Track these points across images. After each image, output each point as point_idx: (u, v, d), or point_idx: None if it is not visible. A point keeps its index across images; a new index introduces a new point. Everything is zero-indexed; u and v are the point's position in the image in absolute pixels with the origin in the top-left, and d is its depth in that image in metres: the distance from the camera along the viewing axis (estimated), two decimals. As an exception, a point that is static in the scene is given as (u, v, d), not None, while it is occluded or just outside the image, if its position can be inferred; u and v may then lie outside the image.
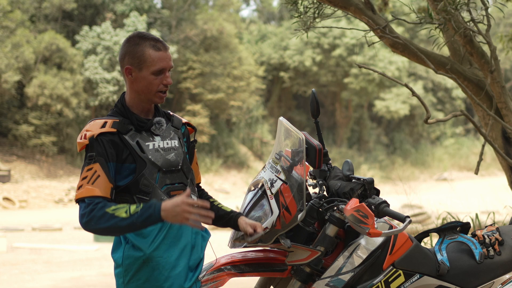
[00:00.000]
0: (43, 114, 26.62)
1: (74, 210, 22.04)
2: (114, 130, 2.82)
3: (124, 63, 2.88)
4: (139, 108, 2.91)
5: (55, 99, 26.00)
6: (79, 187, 2.77)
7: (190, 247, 2.91)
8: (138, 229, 2.73)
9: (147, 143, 2.86)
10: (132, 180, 2.81)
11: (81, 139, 2.82)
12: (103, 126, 2.82)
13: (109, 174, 2.78)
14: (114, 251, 2.90)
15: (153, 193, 2.82)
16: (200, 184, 3.17)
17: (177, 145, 2.94)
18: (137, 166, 2.82)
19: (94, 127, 2.82)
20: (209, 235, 3.04)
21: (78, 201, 2.77)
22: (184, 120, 3.08)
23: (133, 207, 2.71)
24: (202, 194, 3.18)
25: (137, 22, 28.44)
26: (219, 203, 3.17)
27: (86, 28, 28.40)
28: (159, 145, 2.88)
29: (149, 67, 2.84)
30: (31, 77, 26.13)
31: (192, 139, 3.08)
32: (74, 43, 28.29)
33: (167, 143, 2.91)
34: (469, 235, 3.45)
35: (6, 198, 22.19)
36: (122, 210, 2.71)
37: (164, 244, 2.84)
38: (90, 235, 14.50)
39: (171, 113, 3.06)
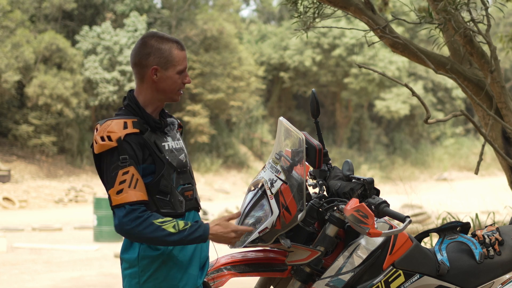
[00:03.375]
0: (43, 114, 26.61)
1: (74, 210, 22.04)
2: (137, 130, 2.81)
3: (148, 63, 2.87)
4: (153, 108, 2.92)
5: (55, 99, 25.99)
6: (118, 192, 2.73)
7: (200, 246, 2.95)
8: (182, 245, 2.79)
9: (163, 144, 2.88)
10: (152, 180, 2.81)
11: (104, 140, 2.77)
12: (125, 127, 2.80)
13: (141, 180, 2.79)
14: (126, 251, 2.88)
15: (172, 194, 2.85)
16: None
17: (183, 146, 2.99)
18: (156, 166, 2.83)
19: (116, 128, 2.78)
20: None
21: (118, 205, 2.74)
22: (178, 121, 3.12)
23: (181, 223, 2.76)
24: None
25: (137, 22, 28.43)
26: None
27: (86, 28, 28.40)
28: (172, 146, 2.91)
29: (176, 67, 2.88)
30: (31, 77, 26.12)
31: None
32: (74, 43, 28.29)
33: (177, 144, 2.95)
34: (469, 235, 3.45)
35: (6, 198, 22.19)
36: (170, 225, 2.74)
37: None
38: (90, 235, 14.50)
39: (168, 113, 3.09)
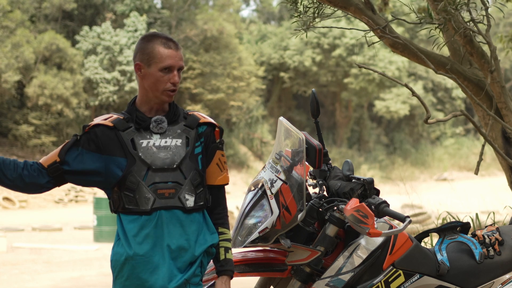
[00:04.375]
0: (43, 114, 26.62)
1: (74, 210, 22.05)
2: (110, 124, 2.88)
3: (135, 60, 2.93)
4: (148, 107, 2.93)
5: (55, 99, 26.00)
6: None
7: (177, 248, 2.86)
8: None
9: (141, 141, 2.87)
10: (121, 176, 2.85)
11: None
12: (106, 119, 2.91)
13: (64, 151, 2.89)
14: (112, 248, 2.96)
15: (138, 190, 2.84)
16: (225, 186, 3.03)
17: (178, 144, 2.91)
18: (127, 162, 2.85)
19: (98, 119, 2.94)
20: (215, 240, 2.94)
21: None
22: (206, 120, 2.99)
23: None
24: (216, 208, 3.00)
25: (137, 22, 28.43)
26: (225, 239, 2.98)
27: (86, 28, 28.40)
28: (154, 143, 2.88)
29: (157, 64, 2.87)
30: (31, 77, 26.12)
31: (218, 139, 2.99)
32: (74, 43, 28.29)
33: (166, 142, 2.90)
34: (469, 235, 3.45)
35: (6, 198, 22.19)
36: None
37: (147, 243, 2.83)
38: (90, 235, 14.53)
39: (190, 112, 3.01)
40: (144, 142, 2.87)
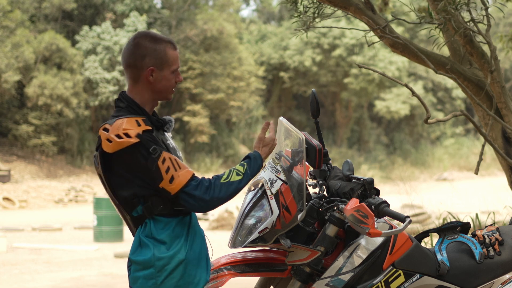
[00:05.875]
0: (43, 114, 26.62)
1: (74, 210, 22.04)
2: (150, 127, 2.81)
3: (144, 64, 2.86)
4: (149, 108, 2.94)
5: (55, 99, 26.00)
6: (170, 180, 2.75)
7: (204, 240, 2.99)
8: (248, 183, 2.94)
9: (168, 142, 2.92)
10: None
11: (121, 138, 2.74)
12: (139, 124, 2.79)
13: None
14: (137, 253, 2.85)
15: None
16: None
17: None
18: None
19: (130, 125, 2.77)
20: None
21: (181, 189, 2.77)
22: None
23: (239, 168, 2.89)
24: None
25: (137, 22, 28.44)
26: None
27: (86, 28, 28.41)
28: (171, 144, 2.96)
29: (170, 66, 2.90)
30: (31, 77, 26.13)
31: None
32: (74, 43, 28.30)
33: (173, 142, 3.00)
34: (469, 235, 3.45)
35: (6, 198, 22.19)
36: (233, 174, 2.86)
37: (192, 241, 2.91)
38: (90, 235, 14.51)
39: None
40: (170, 143, 2.93)
